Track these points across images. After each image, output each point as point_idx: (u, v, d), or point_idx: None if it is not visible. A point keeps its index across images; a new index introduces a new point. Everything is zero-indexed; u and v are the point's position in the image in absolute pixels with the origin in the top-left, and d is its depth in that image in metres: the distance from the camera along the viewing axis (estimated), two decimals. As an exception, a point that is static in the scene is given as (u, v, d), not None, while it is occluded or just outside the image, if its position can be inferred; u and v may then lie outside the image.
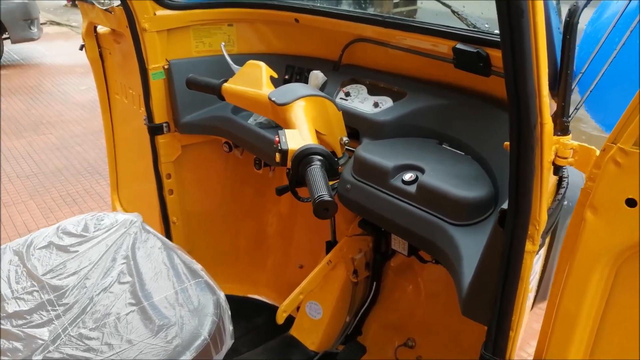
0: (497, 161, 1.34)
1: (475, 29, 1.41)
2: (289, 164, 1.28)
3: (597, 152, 0.78)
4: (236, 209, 2.40)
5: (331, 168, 1.27)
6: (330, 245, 1.86)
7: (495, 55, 1.31)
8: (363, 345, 1.94)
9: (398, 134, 1.58)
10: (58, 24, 10.79)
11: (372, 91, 1.74)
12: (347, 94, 1.77)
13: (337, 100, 1.77)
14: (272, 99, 1.49)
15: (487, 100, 1.43)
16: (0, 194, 4.23)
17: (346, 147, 1.60)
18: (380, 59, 1.76)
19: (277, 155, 1.31)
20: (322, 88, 1.83)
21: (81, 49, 2.53)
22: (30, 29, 7.62)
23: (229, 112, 2.01)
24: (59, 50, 8.79)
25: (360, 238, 1.79)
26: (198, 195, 2.33)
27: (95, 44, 2.45)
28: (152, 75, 2.02)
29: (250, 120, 1.96)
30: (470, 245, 1.19)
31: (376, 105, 1.67)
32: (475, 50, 1.33)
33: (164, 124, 2.11)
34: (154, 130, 2.11)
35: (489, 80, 1.37)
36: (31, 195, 4.21)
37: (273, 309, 2.41)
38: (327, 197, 1.10)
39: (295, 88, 1.53)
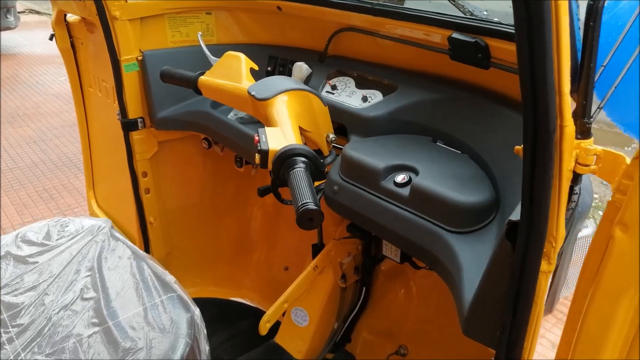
0: (497, 160, 1.23)
1: (473, 17, 1.29)
2: (270, 166, 1.16)
3: (627, 160, 0.67)
4: (217, 209, 2.28)
5: (316, 170, 1.15)
6: (316, 249, 1.74)
7: (496, 45, 1.19)
8: (352, 354, 1.84)
9: (388, 130, 1.47)
10: (37, 12, 10.48)
11: (361, 84, 1.62)
12: (334, 87, 1.65)
13: (323, 94, 1.65)
14: (252, 93, 1.36)
15: (486, 95, 1.32)
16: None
17: (333, 144, 1.48)
18: (368, 49, 1.64)
19: (257, 156, 1.19)
20: (307, 81, 1.70)
21: (51, 38, 2.37)
22: (7, 17, 7.37)
23: (208, 107, 1.87)
24: (37, 39, 8.51)
25: (348, 241, 1.68)
26: (176, 194, 2.20)
27: (65, 33, 2.30)
28: (125, 67, 1.88)
29: (231, 115, 1.83)
30: (470, 255, 1.08)
31: (365, 99, 1.55)
32: (473, 40, 1.21)
33: (139, 119, 1.97)
34: (128, 126, 1.98)
35: (487, 73, 1.26)
36: (5, 191, 4.05)
37: (257, 313, 2.30)
38: (311, 206, 0.99)
39: (277, 81, 1.40)
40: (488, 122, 1.29)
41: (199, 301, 2.34)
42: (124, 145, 2.01)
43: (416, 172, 1.25)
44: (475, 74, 1.32)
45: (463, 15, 1.30)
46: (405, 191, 1.22)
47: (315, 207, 0.98)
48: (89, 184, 2.69)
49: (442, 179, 1.20)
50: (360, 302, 1.78)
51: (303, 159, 1.12)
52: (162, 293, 1.20)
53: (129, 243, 1.37)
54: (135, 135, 1.99)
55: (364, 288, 1.77)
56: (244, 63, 1.52)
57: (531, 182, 0.68)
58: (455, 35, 1.25)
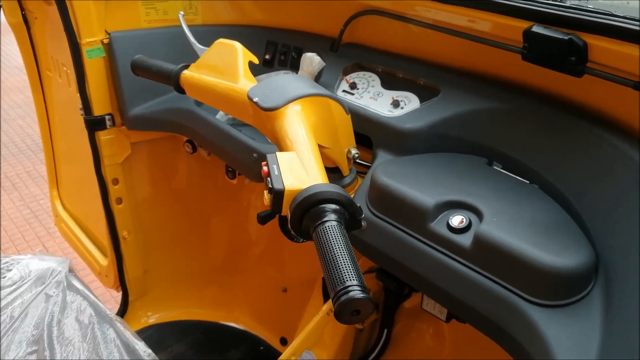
0: (585, 200, 0.92)
1: (563, 5, 0.95)
2: (286, 210, 0.83)
3: None
4: (204, 220, 1.94)
5: (352, 219, 0.82)
6: (328, 284, 1.42)
7: (599, 45, 0.86)
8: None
9: (427, 147, 1.14)
10: (0, -25, 9.75)
11: (388, 83, 1.28)
12: (353, 86, 1.31)
13: (339, 93, 1.31)
14: (254, 99, 1.02)
15: (568, 108, 1.00)
16: None
17: (355, 161, 1.15)
18: (398, 37, 1.30)
19: (266, 195, 0.85)
20: (318, 77, 1.36)
21: (-3, 10, 1.98)
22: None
23: (192, 104, 1.52)
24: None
25: (367, 275, 1.36)
26: (154, 205, 1.85)
27: (16, 5, 1.89)
28: (87, 52, 1.51)
29: (219, 115, 1.48)
30: (564, 339, 0.78)
31: (396, 104, 1.21)
32: (566, 38, 0.88)
33: (107, 117, 1.62)
34: (93, 124, 1.62)
35: (579, 81, 0.93)
36: (-40, 180, 3.65)
37: (251, 339, 1.99)
38: (358, 293, 0.66)
39: (287, 84, 1.05)
40: (570, 142, 0.97)
41: (182, 324, 2.05)
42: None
43: (478, 214, 0.93)
44: (558, 80, 0.99)
45: (549, 1, 0.95)
46: (465, 239, 0.91)
47: (363, 295, 0.66)
48: (52, 182, 2.33)
49: (519, 226, 0.88)
50: (380, 344, 1.48)
51: (334, 206, 0.79)
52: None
53: (92, 297, 1.03)
54: (102, 136, 1.64)
55: (385, 330, 1.47)
56: (240, 55, 1.16)
57: None
58: (537, 29, 0.92)
